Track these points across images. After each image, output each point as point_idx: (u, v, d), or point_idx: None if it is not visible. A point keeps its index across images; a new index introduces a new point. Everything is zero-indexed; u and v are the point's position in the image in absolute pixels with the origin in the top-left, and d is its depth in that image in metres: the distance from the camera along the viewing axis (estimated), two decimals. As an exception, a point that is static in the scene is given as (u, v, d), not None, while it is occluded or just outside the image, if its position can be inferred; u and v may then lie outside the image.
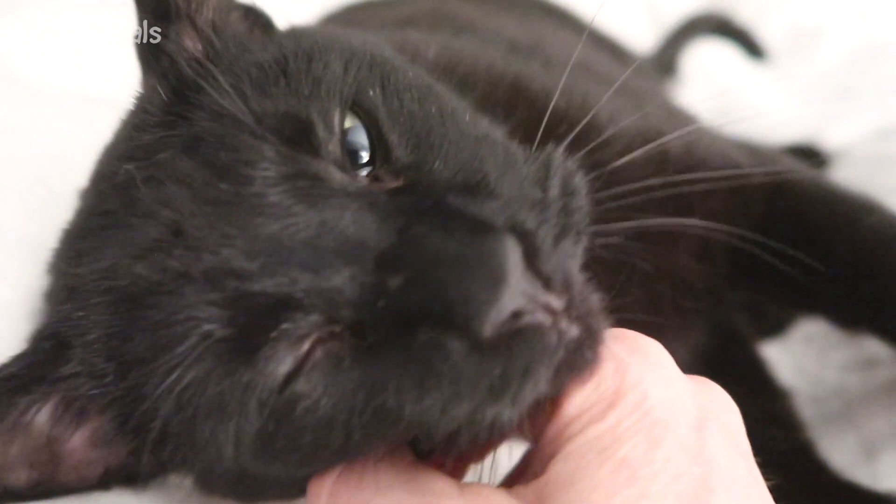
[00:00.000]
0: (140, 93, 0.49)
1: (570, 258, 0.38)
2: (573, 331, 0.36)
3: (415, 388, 0.34)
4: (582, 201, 0.41)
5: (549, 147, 0.43)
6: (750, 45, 1.38)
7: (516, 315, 0.34)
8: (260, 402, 0.37)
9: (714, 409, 0.38)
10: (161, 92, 0.44)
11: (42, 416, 0.42)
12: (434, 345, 0.34)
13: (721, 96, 1.24)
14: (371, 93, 0.42)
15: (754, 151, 0.67)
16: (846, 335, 0.64)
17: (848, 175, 0.99)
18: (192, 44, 0.47)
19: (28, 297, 0.49)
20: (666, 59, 1.37)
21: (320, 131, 0.40)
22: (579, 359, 0.36)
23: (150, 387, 0.38)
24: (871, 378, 0.69)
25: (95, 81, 0.66)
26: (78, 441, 0.44)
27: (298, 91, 0.41)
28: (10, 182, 0.56)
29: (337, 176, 0.39)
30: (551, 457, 0.37)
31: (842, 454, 0.63)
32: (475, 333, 0.33)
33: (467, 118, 0.45)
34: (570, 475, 0.36)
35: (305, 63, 0.43)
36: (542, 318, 0.35)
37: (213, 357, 0.37)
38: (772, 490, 0.39)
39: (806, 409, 0.67)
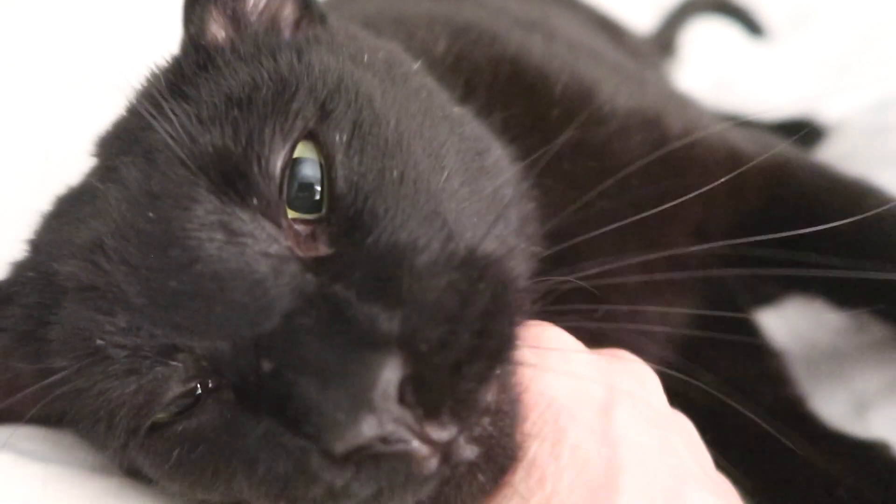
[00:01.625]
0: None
1: (475, 383, 0.35)
2: (467, 453, 0.35)
3: (263, 470, 0.35)
4: (505, 325, 0.37)
5: (490, 257, 0.39)
6: (749, 23, 1.39)
7: (385, 440, 0.33)
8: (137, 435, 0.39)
9: (625, 385, 0.39)
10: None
11: None
12: (288, 441, 0.34)
13: (720, 73, 1.25)
14: (336, 137, 0.40)
15: (754, 136, 0.68)
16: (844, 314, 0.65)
17: (845, 147, 1.00)
18: (216, 30, 0.47)
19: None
20: (665, 39, 1.38)
21: (255, 174, 0.38)
22: (454, 492, 0.36)
23: (56, 376, 0.40)
24: (862, 339, 0.71)
25: (101, 65, 0.68)
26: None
27: (249, 121, 0.40)
28: (16, 159, 0.57)
29: (260, 232, 0.38)
30: None
31: (834, 411, 0.64)
32: (325, 446, 0.33)
33: (439, 179, 0.42)
34: None
35: (277, 87, 0.42)
36: (416, 447, 0.33)
37: (104, 371, 0.38)
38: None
39: (800, 370, 0.69)
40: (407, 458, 0.33)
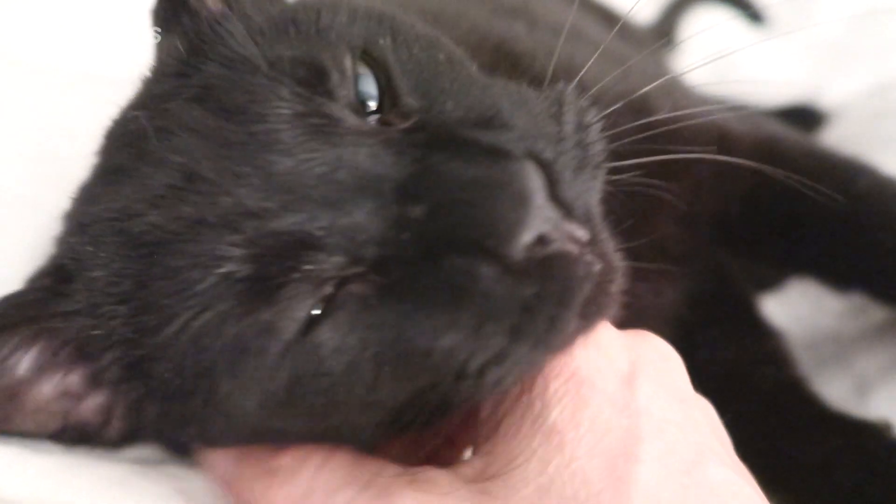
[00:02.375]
0: (157, 57, 0.49)
1: (589, 192, 0.38)
2: (596, 265, 0.35)
3: (446, 318, 0.33)
4: (596, 136, 0.40)
5: (560, 85, 0.43)
6: (749, 11, 1.38)
7: (542, 241, 0.33)
8: (283, 346, 0.35)
9: (648, 360, 0.39)
10: (179, 46, 0.44)
11: (25, 358, 0.41)
12: (463, 271, 0.33)
13: (720, 59, 1.25)
14: (381, 41, 0.42)
15: (745, 117, 0.68)
16: (837, 294, 0.66)
17: (845, 131, 1.00)
18: (213, 3, 0.47)
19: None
20: (665, 29, 1.38)
21: (333, 76, 0.39)
22: (603, 295, 0.36)
23: (165, 331, 0.37)
24: (864, 321, 0.71)
25: (100, 60, 0.68)
26: (48, 389, 0.42)
27: (309, 39, 0.41)
28: (17, 154, 0.58)
29: (350, 118, 0.38)
30: (491, 432, 0.38)
31: (835, 392, 0.65)
32: (505, 256, 0.32)
33: (474, 68, 0.45)
34: (510, 449, 0.36)
35: (314, 15, 0.43)
36: (570, 246, 0.34)
37: (232, 297, 0.35)
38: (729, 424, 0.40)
39: (801, 353, 0.69)
40: (568, 257, 0.34)
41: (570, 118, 0.40)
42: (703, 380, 0.46)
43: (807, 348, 0.70)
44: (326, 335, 0.35)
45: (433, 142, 0.36)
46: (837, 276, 0.64)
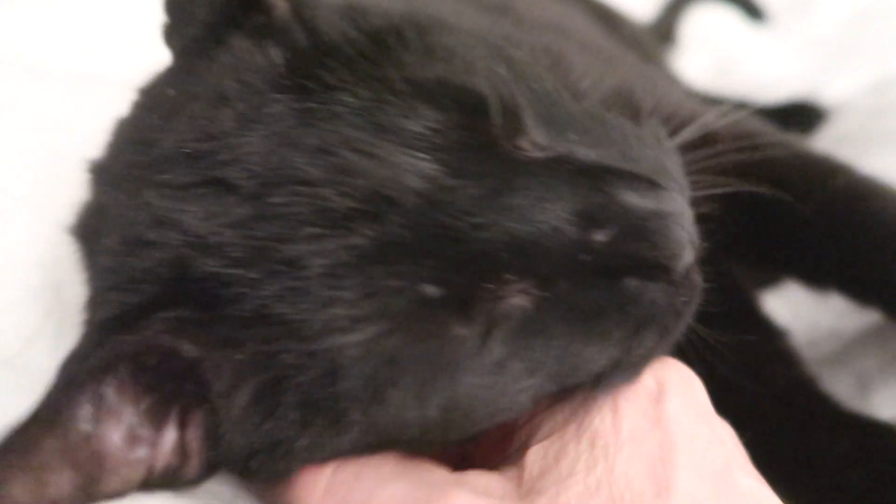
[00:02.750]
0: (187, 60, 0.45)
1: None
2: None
3: (612, 325, 0.39)
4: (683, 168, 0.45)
5: (647, 118, 0.47)
6: (749, 8, 1.38)
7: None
8: (466, 358, 0.37)
9: (672, 380, 0.42)
10: (274, 56, 0.41)
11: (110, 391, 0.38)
12: (638, 284, 0.38)
13: (721, 58, 1.25)
14: (499, 68, 0.42)
15: (724, 112, 0.68)
16: (817, 295, 0.66)
17: (846, 128, 1.00)
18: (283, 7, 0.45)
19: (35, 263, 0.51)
20: (666, 28, 1.38)
21: (493, 102, 0.39)
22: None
23: (327, 347, 0.36)
24: (864, 319, 0.70)
25: (100, 61, 0.69)
26: (117, 436, 0.38)
27: (443, 61, 0.41)
28: (18, 153, 0.58)
29: (508, 145, 0.39)
30: (531, 435, 0.41)
31: (837, 391, 0.64)
32: (674, 272, 0.39)
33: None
34: (554, 452, 0.39)
35: (417, 34, 0.42)
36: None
37: (426, 315, 0.36)
38: (748, 441, 0.43)
39: (802, 351, 0.69)
40: (695, 269, 0.41)
41: (671, 152, 0.44)
42: (716, 379, 0.47)
43: (807, 346, 0.69)
44: (498, 347, 0.38)
45: (590, 172, 0.39)
46: (814, 277, 0.65)
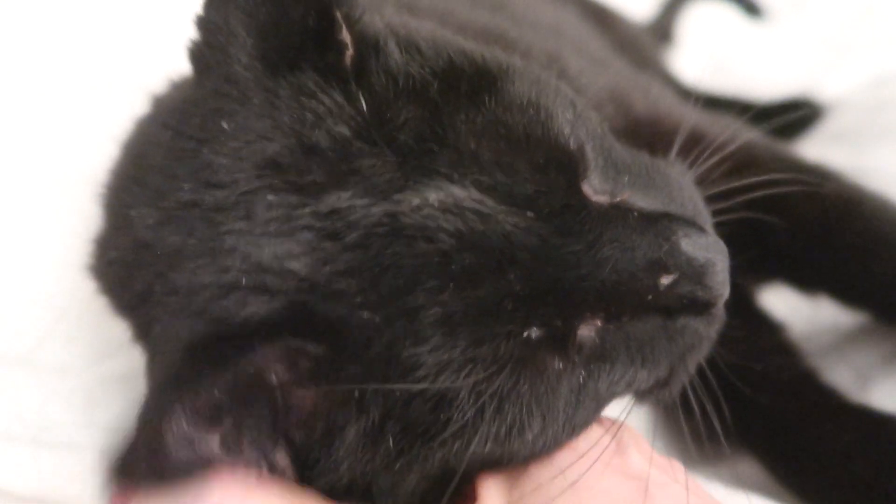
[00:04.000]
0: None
1: None
2: None
3: (664, 352, 0.44)
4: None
5: (674, 159, 0.50)
6: (747, 5, 1.39)
7: None
8: (567, 387, 0.42)
9: (627, 438, 0.46)
10: (360, 101, 0.41)
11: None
12: (688, 321, 0.44)
13: (719, 55, 1.25)
14: (568, 114, 0.44)
15: (720, 120, 0.69)
16: (807, 298, 0.68)
17: (843, 124, 1.01)
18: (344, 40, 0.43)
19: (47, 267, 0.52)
20: (664, 26, 1.39)
21: (588, 155, 0.43)
22: None
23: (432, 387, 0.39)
24: (861, 314, 0.71)
25: (108, 67, 0.70)
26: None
27: (519, 109, 0.42)
28: (29, 160, 0.59)
29: (592, 196, 0.43)
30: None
31: (837, 385, 0.65)
32: (716, 308, 0.44)
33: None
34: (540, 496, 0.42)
35: (486, 78, 0.43)
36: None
37: (529, 355, 0.40)
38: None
39: (801, 345, 0.69)
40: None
41: (693, 186, 0.48)
42: (722, 372, 0.51)
43: (806, 340, 0.70)
44: (580, 372, 0.42)
45: (661, 221, 0.43)
46: (803, 281, 0.67)
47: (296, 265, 0.39)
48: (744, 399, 0.60)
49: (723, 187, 0.50)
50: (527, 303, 0.39)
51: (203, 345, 0.38)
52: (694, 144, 0.52)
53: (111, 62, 0.70)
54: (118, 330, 0.50)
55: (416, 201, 0.39)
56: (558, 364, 0.41)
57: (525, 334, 0.39)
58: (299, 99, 0.41)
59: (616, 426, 0.46)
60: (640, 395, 0.46)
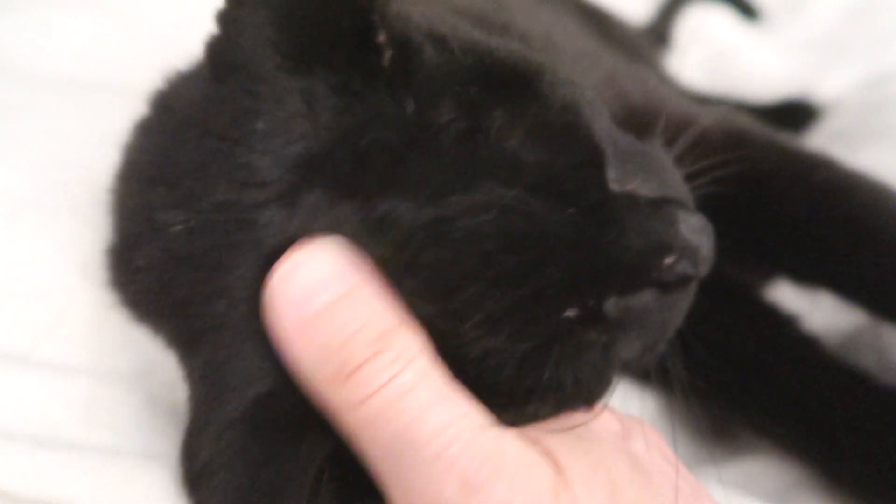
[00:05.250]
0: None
1: None
2: None
3: (653, 328, 0.45)
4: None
5: (655, 140, 0.49)
6: (743, 7, 1.39)
7: None
8: (591, 352, 0.43)
9: (634, 425, 0.47)
10: (403, 102, 0.41)
11: None
12: (677, 296, 0.45)
13: (716, 57, 1.26)
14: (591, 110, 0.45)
15: (718, 112, 0.69)
16: (805, 291, 0.67)
17: (839, 124, 1.01)
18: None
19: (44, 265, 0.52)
20: (661, 30, 1.39)
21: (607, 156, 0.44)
22: None
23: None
24: (859, 316, 0.71)
25: (106, 68, 0.70)
26: None
27: (557, 109, 0.43)
28: (26, 159, 0.59)
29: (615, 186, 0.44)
30: None
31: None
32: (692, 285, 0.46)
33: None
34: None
35: (527, 81, 0.44)
36: None
37: (561, 333, 0.41)
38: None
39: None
40: None
41: (675, 167, 0.49)
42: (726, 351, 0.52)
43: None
44: (604, 338, 0.43)
45: (663, 206, 0.43)
46: (801, 274, 0.66)
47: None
48: (763, 386, 0.61)
49: (698, 166, 0.50)
50: (565, 288, 0.40)
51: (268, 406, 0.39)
52: (685, 127, 0.52)
53: (104, 63, 0.70)
54: (119, 330, 0.50)
55: (464, 204, 0.39)
56: (590, 336, 0.42)
57: (563, 315, 0.41)
58: (339, 100, 0.41)
59: (630, 418, 0.48)
60: (627, 364, 0.47)
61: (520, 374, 0.41)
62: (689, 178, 0.50)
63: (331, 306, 0.37)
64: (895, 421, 0.59)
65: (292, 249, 0.39)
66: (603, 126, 0.45)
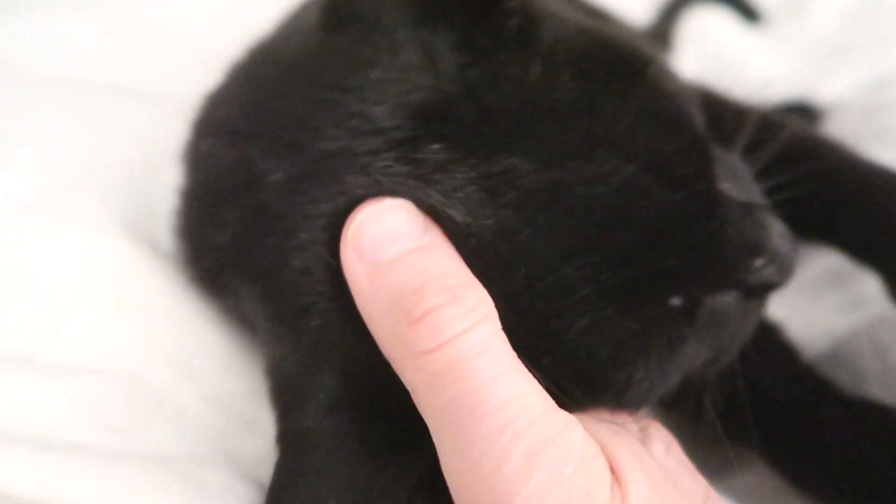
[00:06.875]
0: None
1: None
2: None
3: (730, 335, 0.46)
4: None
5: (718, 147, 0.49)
6: (745, 10, 1.39)
7: None
8: (682, 347, 0.43)
9: (651, 429, 0.46)
10: (530, 66, 0.41)
11: None
12: (757, 302, 0.47)
13: (716, 60, 1.26)
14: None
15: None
16: (810, 248, 0.68)
17: (840, 127, 1.01)
18: None
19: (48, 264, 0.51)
20: (662, 32, 1.39)
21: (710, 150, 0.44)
22: None
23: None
24: (859, 317, 0.72)
25: (98, 70, 0.70)
26: None
27: (659, 94, 0.44)
28: (32, 159, 0.59)
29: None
30: None
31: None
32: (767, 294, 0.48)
33: None
34: None
35: (641, 67, 0.44)
36: None
37: (663, 323, 0.41)
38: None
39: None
40: None
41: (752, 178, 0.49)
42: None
43: (803, 345, 0.70)
44: (689, 336, 0.43)
45: (752, 211, 0.44)
46: (808, 228, 0.64)
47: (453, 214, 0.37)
48: (746, 399, 0.60)
49: (778, 178, 0.50)
50: (674, 274, 0.40)
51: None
52: (753, 132, 0.52)
53: (108, 66, 0.70)
54: (121, 330, 0.50)
55: (583, 171, 0.38)
56: (686, 329, 0.42)
57: (669, 302, 0.41)
58: (462, 55, 0.40)
59: (645, 419, 0.47)
60: (690, 373, 0.46)
61: (615, 358, 0.40)
62: (768, 192, 0.50)
63: (407, 254, 0.36)
64: (864, 436, 0.59)
65: (370, 202, 0.38)
66: (701, 122, 0.45)
